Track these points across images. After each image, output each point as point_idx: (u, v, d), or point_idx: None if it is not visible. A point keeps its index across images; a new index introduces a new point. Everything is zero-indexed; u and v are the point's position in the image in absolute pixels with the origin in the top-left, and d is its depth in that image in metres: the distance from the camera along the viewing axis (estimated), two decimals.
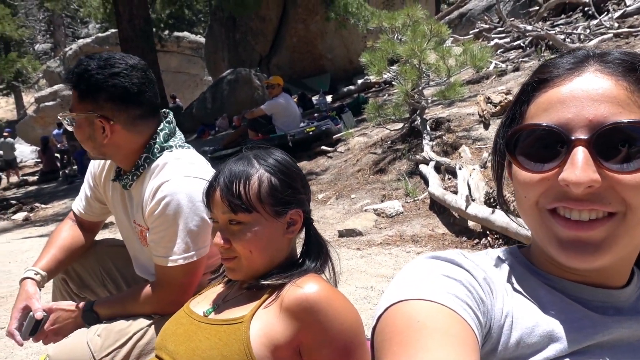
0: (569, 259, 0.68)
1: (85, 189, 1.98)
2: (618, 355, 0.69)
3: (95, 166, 1.93)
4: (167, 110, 1.85)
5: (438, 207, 4.52)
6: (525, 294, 0.74)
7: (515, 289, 0.75)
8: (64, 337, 1.67)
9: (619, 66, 0.70)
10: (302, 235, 1.34)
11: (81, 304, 1.72)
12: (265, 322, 1.15)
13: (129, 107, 1.65)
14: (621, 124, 0.65)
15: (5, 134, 17.76)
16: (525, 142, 0.72)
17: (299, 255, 1.32)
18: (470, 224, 3.94)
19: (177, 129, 1.82)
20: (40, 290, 1.76)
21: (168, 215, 1.57)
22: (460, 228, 4.04)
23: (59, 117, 1.66)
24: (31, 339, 1.67)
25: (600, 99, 0.67)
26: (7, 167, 17.26)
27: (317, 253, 1.30)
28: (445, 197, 4.24)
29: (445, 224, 4.23)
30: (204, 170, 1.69)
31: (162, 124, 1.75)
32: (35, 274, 1.77)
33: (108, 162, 1.88)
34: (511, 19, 11.49)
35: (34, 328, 1.66)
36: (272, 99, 8.12)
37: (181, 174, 1.62)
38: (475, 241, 3.72)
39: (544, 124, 0.69)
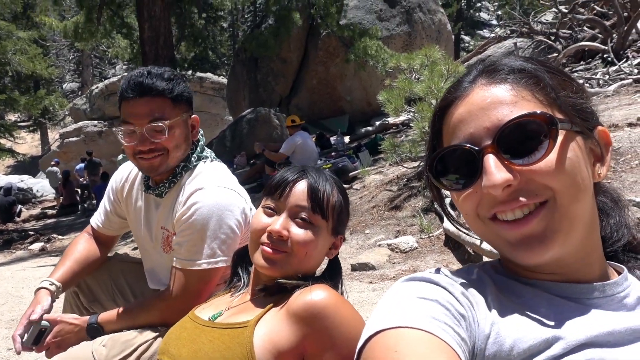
0: (522, 257, 0.71)
1: (105, 203, 2.02)
2: (615, 345, 0.67)
3: (117, 181, 1.98)
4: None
5: (453, 243, 4.47)
6: (511, 300, 0.74)
7: (499, 298, 0.74)
8: (61, 348, 1.66)
9: (501, 72, 0.76)
10: None
11: (85, 318, 1.71)
12: (270, 327, 1.14)
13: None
14: (511, 122, 0.69)
15: (52, 163, 19.03)
16: (445, 165, 0.77)
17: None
18: (485, 259, 3.88)
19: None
20: (54, 300, 1.77)
21: (197, 221, 1.60)
22: None
23: (160, 124, 1.64)
24: (34, 349, 1.66)
25: (490, 106, 0.72)
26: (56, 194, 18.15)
27: (333, 275, 1.32)
28: (460, 233, 4.19)
29: (460, 260, 4.17)
30: (235, 183, 1.75)
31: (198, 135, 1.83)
32: (50, 284, 1.78)
33: (131, 177, 1.93)
34: None
35: (37, 338, 1.66)
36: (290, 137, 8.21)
37: (214, 183, 1.66)
38: None
39: (453, 145, 0.75)
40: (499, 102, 0.72)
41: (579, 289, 0.73)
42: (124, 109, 1.68)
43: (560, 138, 0.69)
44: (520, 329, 0.68)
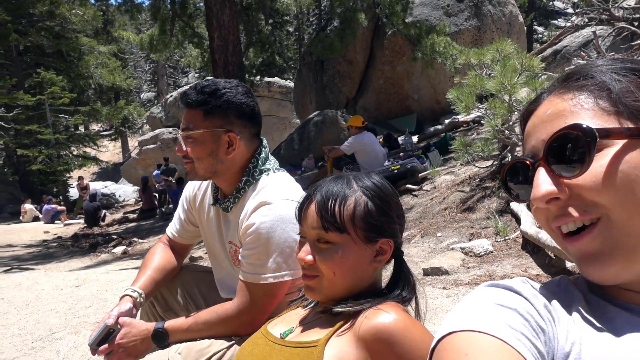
0: (586, 274, 0.68)
1: (179, 212, 2.06)
2: None
3: (190, 190, 2.01)
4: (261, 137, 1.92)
5: (531, 247, 4.24)
6: (600, 321, 0.68)
7: (587, 317, 0.68)
8: (130, 356, 1.69)
9: (570, 81, 0.72)
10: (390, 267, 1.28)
11: (153, 324, 1.74)
12: (339, 348, 1.10)
13: (251, 125, 1.77)
14: (554, 135, 0.67)
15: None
16: (514, 177, 0.77)
17: (384, 287, 1.26)
18: (569, 265, 3.65)
19: (269, 154, 1.89)
20: (137, 308, 1.83)
21: (262, 234, 1.60)
22: (557, 269, 3.74)
23: (179, 134, 1.71)
24: (98, 350, 1.68)
25: (549, 118, 0.71)
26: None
27: (402, 287, 1.23)
28: (540, 236, 3.97)
29: (540, 265, 3.94)
30: (300, 193, 1.73)
31: (259, 147, 1.83)
32: (132, 291, 1.83)
33: (203, 186, 1.95)
34: (611, 54, 10.87)
35: (103, 338, 1.69)
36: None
37: (278, 196, 1.66)
38: None
39: (515, 158, 0.76)
40: (559, 113, 0.70)
41: None
42: None
43: (615, 148, 0.65)
44: (603, 354, 0.63)
